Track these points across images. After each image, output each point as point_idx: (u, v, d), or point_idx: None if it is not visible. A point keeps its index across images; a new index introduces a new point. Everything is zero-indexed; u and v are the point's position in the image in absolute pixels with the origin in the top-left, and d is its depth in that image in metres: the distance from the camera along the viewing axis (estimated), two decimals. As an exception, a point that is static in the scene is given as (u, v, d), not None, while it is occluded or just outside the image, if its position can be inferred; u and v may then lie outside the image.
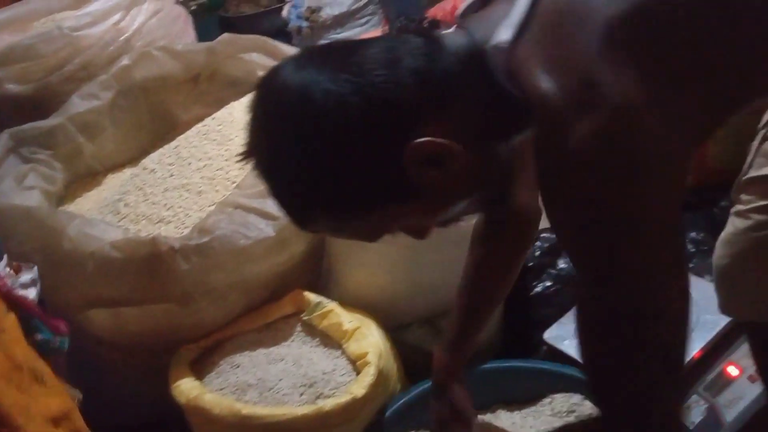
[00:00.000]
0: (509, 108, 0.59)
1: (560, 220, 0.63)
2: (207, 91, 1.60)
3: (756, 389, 1.06)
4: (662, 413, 0.67)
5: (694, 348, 1.08)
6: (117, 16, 1.73)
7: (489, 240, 0.89)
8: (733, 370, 1.08)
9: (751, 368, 1.08)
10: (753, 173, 0.88)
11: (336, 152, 0.57)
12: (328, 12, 2.30)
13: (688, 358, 1.06)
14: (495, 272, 0.90)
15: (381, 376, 1.06)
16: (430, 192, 0.59)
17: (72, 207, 1.50)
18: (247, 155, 0.62)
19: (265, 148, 0.60)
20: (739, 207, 0.88)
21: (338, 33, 2.31)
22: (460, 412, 0.91)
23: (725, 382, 1.07)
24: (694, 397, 1.06)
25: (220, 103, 1.50)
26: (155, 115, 1.62)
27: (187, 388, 1.06)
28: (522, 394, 1.14)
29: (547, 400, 1.10)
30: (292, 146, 0.57)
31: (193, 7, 2.41)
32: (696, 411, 1.04)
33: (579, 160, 0.56)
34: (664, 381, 0.65)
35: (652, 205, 0.59)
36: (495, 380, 1.15)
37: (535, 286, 1.39)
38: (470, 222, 1.14)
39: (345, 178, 0.57)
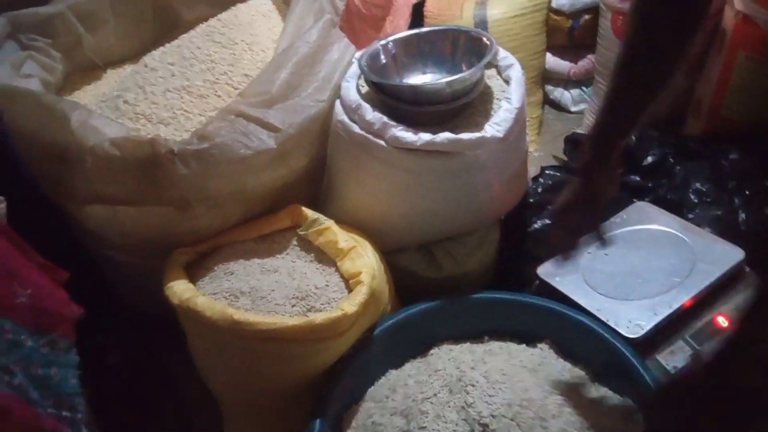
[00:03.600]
0: None
1: None
2: (213, -11, 1.53)
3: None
4: None
5: (687, 295, 1.09)
6: None
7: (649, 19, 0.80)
8: (722, 321, 1.09)
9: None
10: None
11: None
12: None
13: (678, 305, 1.08)
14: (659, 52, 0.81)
15: (372, 296, 1.06)
16: None
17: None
18: None
19: None
20: None
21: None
22: (596, 193, 0.92)
23: (713, 331, 1.08)
24: (680, 343, 1.07)
25: (226, 4, 1.44)
26: (158, 11, 1.55)
27: (180, 289, 1.07)
28: (510, 326, 1.16)
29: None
30: None
31: None
32: (680, 356, 1.05)
33: None
34: None
35: None
36: (484, 310, 1.16)
37: (534, 223, 1.38)
38: (471, 153, 1.12)
39: None
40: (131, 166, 1.08)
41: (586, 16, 1.90)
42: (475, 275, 1.27)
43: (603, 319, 1.07)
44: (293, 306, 1.06)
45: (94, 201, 1.16)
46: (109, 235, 1.23)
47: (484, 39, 1.21)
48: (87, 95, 1.49)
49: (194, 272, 1.15)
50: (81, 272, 1.25)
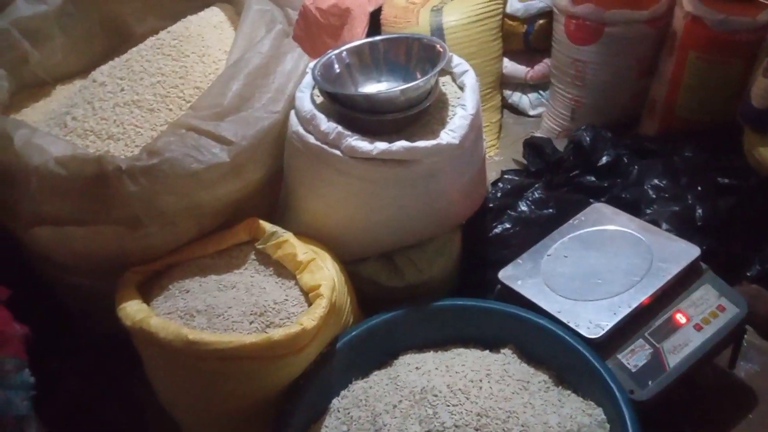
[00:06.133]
0: None
1: None
2: (163, 2, 1.50)
3: (701, 337, 1.09)
4: None
5: (645, 294, 1.10)
6: None
7: None
8: (681, 318, 1.10)
9: (698, 317, 1.11)
10: None
11: None
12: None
13: (637, 304, 1.09)
14: None
15: (333, 309, 1.05)
16: None
17: (18, 118, 1.42)
18: None
19: None
20: None
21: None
22: None
23: (672, 328, 1.09)
24: (640, 341, 1.08)
25: (177, 16, 1.41)
26: (107, 25, 1.51)
27: (133, 310, 1.04)
28: (474, 332, 1.15)
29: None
30: None
31: None
32: (640, 354, 1.06)
33: None
34: None
35: None
36: (447, 318, 1.16)
37: (495, 227, 1.39)
38: (427, 160, 1.12)
39: None
40: (78, 184, 1.05)
41: (541, 21, 1.92)
42: (438, 282, 1.26)
43: (564, 320, 1.08)
44: (251, 323, 1.03)
45: (41, 222, 1.12)
46: (59, 256, 1.19)
47: (437, 46, 1.21)
48: (36, 113, 1.44)
49: (148, 292, 1.12)
50: (33, 296, 1.22)
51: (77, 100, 1.29)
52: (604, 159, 1.47)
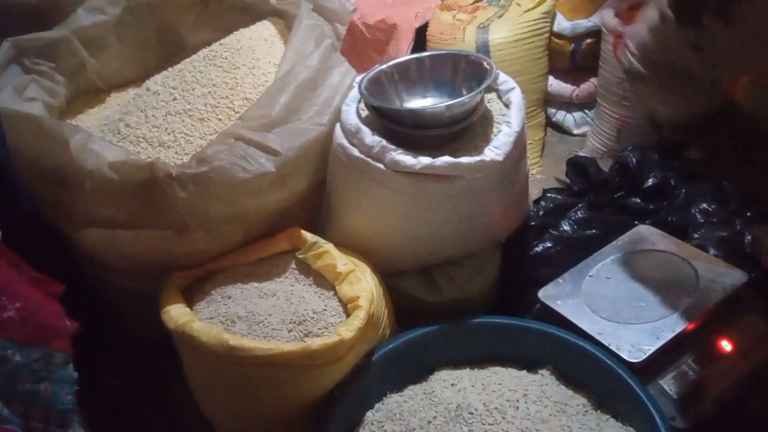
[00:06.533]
0: None
1: None
2: (217, 15, 1.55)
3: (746, 366, 1.06)
4: None
5: (690, 319, 1.07)
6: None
7: None
8: (726, 345, 1.07)
9: (744, 345, 1.08)
10: None
11: None
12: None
13: (681, 329, 1.06)
14: None
15: (371, 321, 1.05)
16: None
17: (74, 123, 1.47)
18: None
19: None
20: None
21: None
22: None
23: (717, 355, 1.07)
24: (683, 367, 1.06)
25: (230, 29, 1.45)
26: (162, 36, 1.57)
27: (176, 314, 1.06)
28: (511, 351, 1.14)
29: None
30: None
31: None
32: (683, 381, 1.04)
33: None
34: None
35: None
36: (485, 335, 1.15)
37: (536, 246, 1.37)
38: (470, 176, 1.12)
39: None
40: (129, 189, 1.08)
41: (588, 40, 1.91)
42: (476, 299, 1.26)
43: (605, 343, 1.06)
44: (290, 331, 1.05)
45: (92, 224, 1.16)
46: (107, 258, 1.23)
47: (484, 63, 1.22)
48: (90, 118, 1.50)
49: (192, 296, 1.15)
50: (80, 295, 1.26)
51: (131, 108, 1.34)
52: (651, 181, 1.45)
